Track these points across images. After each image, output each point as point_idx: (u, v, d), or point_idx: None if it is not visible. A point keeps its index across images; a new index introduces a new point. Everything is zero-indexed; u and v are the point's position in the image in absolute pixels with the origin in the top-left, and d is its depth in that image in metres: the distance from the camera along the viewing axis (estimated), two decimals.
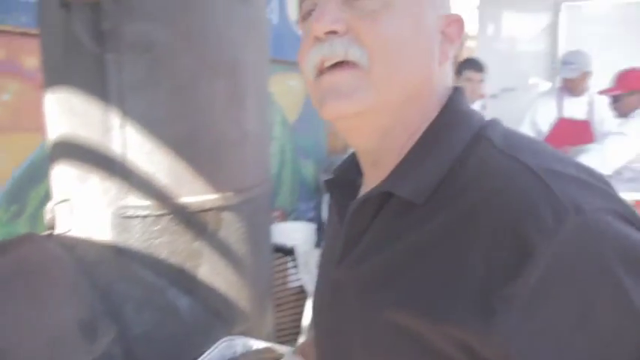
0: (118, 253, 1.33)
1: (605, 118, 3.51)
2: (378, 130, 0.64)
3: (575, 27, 5.53)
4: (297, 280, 1.98)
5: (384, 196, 0.63)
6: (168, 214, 1.35)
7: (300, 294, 2.01)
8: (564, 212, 0.49)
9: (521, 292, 0.48)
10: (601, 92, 3.22)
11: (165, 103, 1.28)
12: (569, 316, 0.48)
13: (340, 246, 0.69)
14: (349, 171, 0.77)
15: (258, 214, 1.58)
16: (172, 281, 1.40)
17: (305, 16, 0.66)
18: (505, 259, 0.50)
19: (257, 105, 1.51)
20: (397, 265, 0.60)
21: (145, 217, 1.33)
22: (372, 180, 0.68)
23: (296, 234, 3.84)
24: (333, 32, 0.60)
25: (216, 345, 1.37)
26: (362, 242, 0.66)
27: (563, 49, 5.09)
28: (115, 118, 1.26)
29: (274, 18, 3.76)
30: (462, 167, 0.58)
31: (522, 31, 5.89)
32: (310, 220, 4.40)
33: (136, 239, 1.34)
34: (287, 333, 2.09)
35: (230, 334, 1.46)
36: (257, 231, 1.59)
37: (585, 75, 3.52)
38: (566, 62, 3.57)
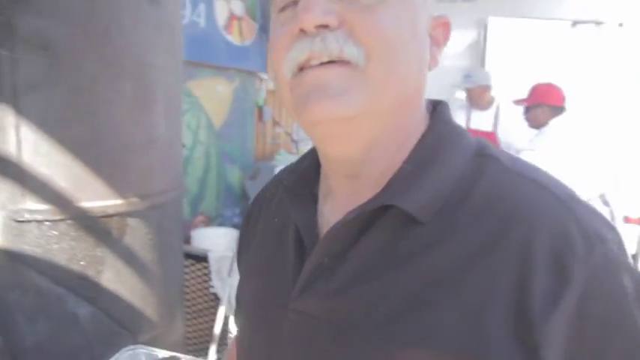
0: (10, 259, 1.26)
1: (510, 129, 3.75)
2: (365, 138, 0.55)
3: (501, 43, 5.81)
4: (211, 287, 1.95)
5: (375, 212, 0.54)
6: (68, 219, 1.30)
7: (213, 301, 1.98)
8: (593, 241, 0.48)
9: (561, 322, 0.46)
10: (515, 102, 3.40)
11: (64, 103, 1.23)
12: (593, 345, 0.47)
13: (306, 270, 0.57)
14: (308, 179, 0.66)
15: (166, 220, 1.55)
16: (72, 289, 1.34)
17: (283, 7, 0.55)
18: (544, 285, 0.47)
19: (167, 109, 1.48)
20: (412, 293, 0.51)
21: (41, 221, 1.27)
22: (345, 193, 0.59)
23: (219, 239, 3.77)
24: (325, 26, 0.51)
25: (117, 355, 1.33)
26: (344, 266, 0.55)
27: (489, 64, 5.33)
28: (8, 117, 1.20)
29: (201, 21, 3.71)
30: (474, 188, 0.53)
31: (450, 46, 6.11)
32: (235, 226, 4.35)
33: (31, 245, 1.27)
34: (199, 341, 2.05)
35: (135, 343, 1.42)
36: (166, 237, 1.55)
37: (484, 89, 3.90)
38: (465, 76, 4.00)
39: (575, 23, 4.14)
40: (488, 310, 0.47)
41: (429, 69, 0.59)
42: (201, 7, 3.69)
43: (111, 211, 1.35)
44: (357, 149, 0.56)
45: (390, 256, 0.53)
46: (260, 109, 4.54)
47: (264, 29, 4.32)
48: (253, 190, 4.24)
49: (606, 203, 3.12)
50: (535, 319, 0.46)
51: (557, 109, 3.07)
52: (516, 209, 0.51)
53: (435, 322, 0.49)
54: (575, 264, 0.47)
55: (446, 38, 0.61)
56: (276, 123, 4.77)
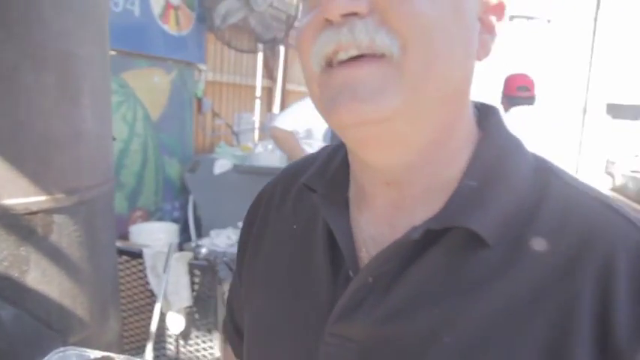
0: None
1: None
2: (404, 141, 0.49)
3: None
4: (146, 284, 1.91)
5: (439, 231, 0.49)
6: None
7: (150, 298, 1.94)
8: None
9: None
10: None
11: None
12: None
13: (350, 290, 0.51)
14: (339, 183, 0.59)
15: (97, 216, 1.50)
16: None
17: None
18: (631, 314, 0.43)
19: (94, 102, 1.43)
20: (482, 324, 0.46)
21: None
22: (386, 204, 0.54)
23: (158, 234, 3.70)
24: (353, 13, 0.45)
25: (46, 358, 1.28)
26: (398, 288, 0.50)
27: None
28: None
29: (135, 10, 3.59)
30: (541, 206, 0.49)
31: None
32: (175, 220, 4.27)
33: None
34: (138, 339, 2.01)
35: (65, 344, 1.37)
36: (96, 234, 1.51)
37: None
38: None
39: (511, 17, 4.30)
40: (567, 345, 0.44)
41: (479, 59, 0.51)
42: None
43: (35, 208, 1.30)
44: (396, 154, 0.50)
45: (454, 280, 0.48)
46: (199, 101, 4.46)
47: (201, 19, 4.23)
48: (193, 183, 4.17)
49: None
50: (622, 351, 0.42)
51: (512, 99, 3.15)
52: (592, 231, 0.47)
53: (510, 357, 0.45)
54: None
55: (501, 21, 0.53)
56: (215, 114, 4.70)
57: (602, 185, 4.04)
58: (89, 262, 1.47)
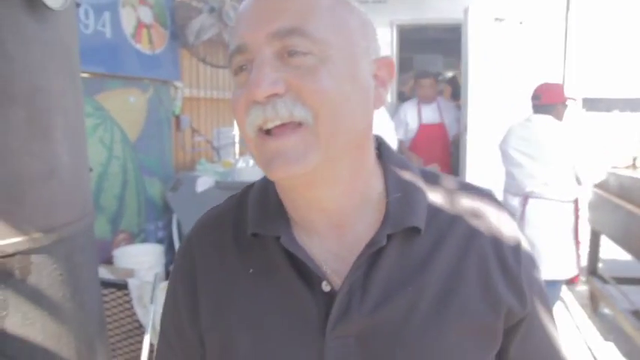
0: None
1: (453, 121, 4.87)
2: (328, 182, 0.64)
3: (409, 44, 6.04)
4: (133, 315, 1.86)
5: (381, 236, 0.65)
6: None
7: (138, 329, 1.89)
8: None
9: (523, 278, 0.70)
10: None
11: None
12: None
13: (340, 300, 0.64)
14: (286, 220, 0.70)
15: (77, 252, 1.45)
16: None
17: (236, 70, 0.63)
18: (510, 255, 0.70)
19: (68, 136, 1.38)
20: (440, 287, 0.66)
21: None
22: (326, 226, 0.68)
23: (143, 257, 3.64)
24: (274, 94, 0.58)
25: None
26: (374, 284, 0.65)
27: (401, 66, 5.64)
28: None
29: (107, 31, 3.54)
30: (443, 197, 0.72)
31: None
32: (160, 240, 4.20)
33: None
34: None
35: None
36: (78, 270, 1.46)
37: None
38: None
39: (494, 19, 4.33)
40: (488, 274, 0.68)
41: (376, 108, 0.67)
42: (106, 15, 3.52)
43: (10, 250, 1.25)
44: (322, 191, 0.65)
45: (410, 264, 0.66)
46: (177, 118, 4.40)
47: (175, 36, 4.19)
48: (175, 202, 4.11)
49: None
50: (516, 282, 0.70)
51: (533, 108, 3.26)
52: (472, 203, 0.72)
53: (464, 300, 0.66)
54: (521, 238, 0.74)
55: (391, 76, 0.69)
56: (195, 131, 4.64)
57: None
58: (72, 300, 1.42)
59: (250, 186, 0.79)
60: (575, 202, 3.13)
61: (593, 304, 4.18)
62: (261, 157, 0.62)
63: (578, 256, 3.20)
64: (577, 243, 3.21)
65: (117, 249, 3.67)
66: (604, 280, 4.05)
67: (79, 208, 1.45)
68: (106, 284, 1.88)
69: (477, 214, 0.71)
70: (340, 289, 0.65)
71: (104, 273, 3.01)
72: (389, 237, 0.65)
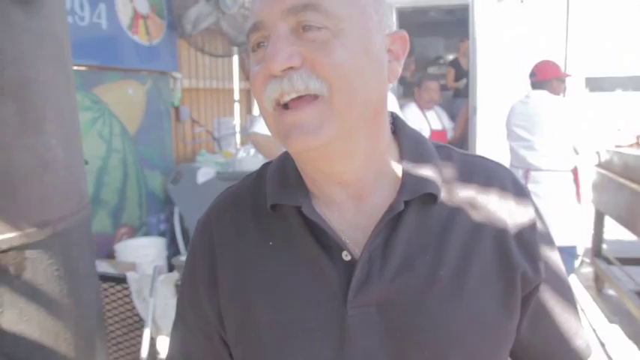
0: None
1: (449, 126, 4.61)
2: (344, 154, 0.65)
3: (409, 24, 5.96)
4: (133, 309, 1.84)
5: (399, 203, 0.66)
6: None
7: (138, 323, 1.87)
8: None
9: (538, 248, 0.71)
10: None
11: None
12: None
13: (360, 268, 0.65)
14: (305, 191, 0.71)
15: (73, 246, 1.42)
16: None
17: (254, 47, 0.65)
18: (525, 224, 0.71)
19: (61, 128, 1.35)
20: (459, 253, 0.67)
21: None
22: (343, 199, 0.69)
23: (145, 250, 3.63)
24: (290, 68, 0.60)
25: None
26: (394, 252, 0.66)
27: None
28: None
29: (103, 23, 3.50)
30: (453, 167, 0.73)
31: None
32: (162, 233, 4.19)
33: None
34: None
35: None
36: (75, 265, 1.43)
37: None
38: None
39: None
40: (504, 242, 0.69)
41: (390, 82, 0.68)
42: (102, 7, 3.47)
43: (4, 246, 1.22)
44: (339, 164, 0.66)
45: (428, 231, 0.67)
46: (177, 110, 4.37)
47: (172, 26, 4.14)
48: (176, 194, 4.09)
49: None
50: (532, 247, 0.71)
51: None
52: (487, 171, 0.74)
53: (482, 267, 0.67)
54: (534, 207, 0.74)
55: (404, 50, 0.70)
56: (195, 122, 4.61)
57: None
58: (69, 295, 1.40)
59: (268, 163, 0.80)
60: (574, 171, 3.31)
61: (597, 285, 4.15)
62: (279, 130, 0.64)
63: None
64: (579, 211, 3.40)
65: (118, 243, 3.66)
66: (608, 261, 4.01)
67: (75, 201, 1.43)
68: (105, 278, 1.86)
69: (491, 185, 0.72)
70: (360, 257, 0.66)
71: (106, 267, 3.00)
72: (406, 204, 0.66)
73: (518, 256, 0.69)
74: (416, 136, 0.75)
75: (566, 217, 3.25)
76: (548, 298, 0.74)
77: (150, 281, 1.69)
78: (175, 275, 1.73)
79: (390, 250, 0.66)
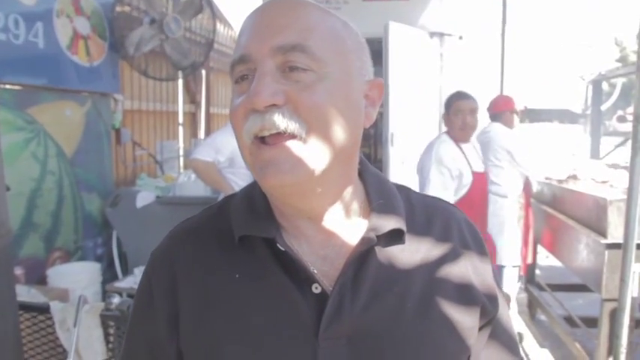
0: None
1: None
2: (317, 190, 0.66)
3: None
4: (56, 339, 1.78)
5: (369, 239, 0.68)
6: None
7: (62, 354, 1.81)
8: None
9: (491, 279, 0.77)
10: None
11: None
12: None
13: (332, 301, 0.66)
14: (266, 225, 0.71)
15: None
16: None
17: (237, 79, 0.66)
18: (480, 257, 0.77)
19: None
20: (425, 284, 0.70)
21: None
22: (313, 232, 0.71)
23: (80, 275, 3.51)
24: (273, 105, 0.61)
25: None
26: (363, 285, 0.68)
27: None
28: None
29: (39, 42, 3.41)
30: (413, 205, 0.77)
31: None
32: (99, 257, 4.07)
33: None
34: None
35: None
36: None
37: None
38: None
39: (432, 34, 4.44)
40: (466, 279, 0.74)
41: (365, 127, 0.71)
42: (39, 26, 3.39)
43: None
44: (310, 201, 0.67)
45: (395, 264, 0.70)
46: (117, 132, 4.29)
47: (114, 48, 4.09)
48: (115, 217, 3.99)
49: None
50: (489, 278, 0.77)
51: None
52: (445, 213, 0.79)
53: (446, 300, 0.70)
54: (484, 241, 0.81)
55: (380, 97, 0.73)
56: (136, 145, 4.54)
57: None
58: None
59: (231, 196, 0.79)
60: (523, 197, 3.63)
61: (531, 310, 4.32)
62: (254, 163, 0.65)
63: (525, 247, 3.70)
64: (525, 235, 3.71)
65: (51, 268, 3.52)
66: (541, 288, 4.19)
67: None
68: (27, 308, 1.79)
69: (445, 219, 0.78)
70: (333, 289, 0.66)
71: (35, 294, 2.88)
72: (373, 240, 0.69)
73: (479, 292, 0.74)
74: (379, 176, 0.78)
75: (511, 240, 3.58)
76: (500, 325, 0.79)
77: (74, 311, 1.65)
78: (100, 306, 1.69)
79: (360, 282, 0.67)
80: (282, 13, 0.65)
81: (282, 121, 0.61)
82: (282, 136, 0.62)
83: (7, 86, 3.27)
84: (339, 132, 0.64)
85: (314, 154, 0.63)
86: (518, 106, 3.84)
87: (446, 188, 2.91)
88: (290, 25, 0.64)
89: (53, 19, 3.53)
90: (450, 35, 4.53)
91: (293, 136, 0.62)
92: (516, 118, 3.77)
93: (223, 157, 2.98)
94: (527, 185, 3.74)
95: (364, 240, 0.68)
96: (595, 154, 5.93)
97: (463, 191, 2.98)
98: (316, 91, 0.62)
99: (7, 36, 3.15)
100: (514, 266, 3.60)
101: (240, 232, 0.70)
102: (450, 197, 2.90)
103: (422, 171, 3.06)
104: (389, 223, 0.70)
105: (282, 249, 0.67)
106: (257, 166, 0.64)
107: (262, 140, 0.63)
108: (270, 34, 0.63)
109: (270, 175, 0.62)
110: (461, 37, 4.55)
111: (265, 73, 0.62)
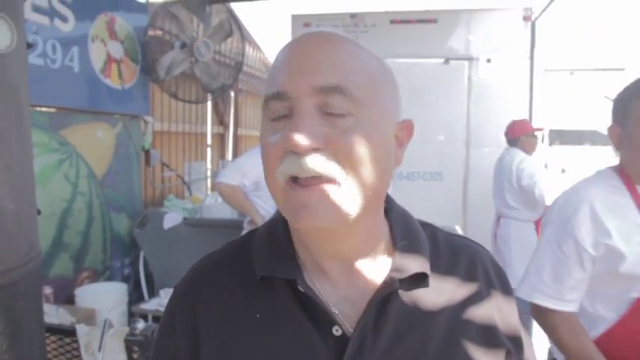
0: None
1: None
2: (346, 234, 0.66)
3: None
4: None
5: (392, 280, 0.68)
6: None
7: None
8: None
9: (516, 322, 0.76)
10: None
11: None
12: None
13: (354, 342, 0.65)
14: (288, 265, 0.70)
15: (19, 299, 1.39)
16: None
17: (275, 118, 0.63)
18: (506, 300, 0.75)
19: (11, 179, 1.34)
20: (447, 328, 0.69)
21: None
22: (337, 272, 0.69)
23: (107, 296, 3.54)
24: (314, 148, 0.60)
25: None
26: (385, 326, 0.66)
27: None
28: None
29: (75, 66, 3.51)
30: (439, 245, 0.75)
31: None
32: (126, 277, 4.11)
33: None
34: None
35: None
36: (19, 319, 1.39)
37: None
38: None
39: (447, 60, 4.41)
40: (491, 322, 0.72)
41: (394, 168, 0.70)
42: (74, 50, 3.50)
43: None
44: (340, 242, 0.67)
45: (417, 307, 0.69)
46: (147, 153, 4.37)
47: (145, 71, 4.18)
48: (142, 238, 4.04)
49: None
50: (500, 303, 0.75)
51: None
52: (471, 254, 0.76)
53: (469, 344, 0.69)
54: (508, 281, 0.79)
55: (409, 137, 0.72)
56: (165, 166, 4.60)
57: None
58: (9, 351, 1.36)
59: (254, 231, 0.78)
60: (537, 222, 3.56)
61: None
62: (287, 204, 0.63)
63: None
64: None
65: (79, 288, 3.57)
66: None
67: (23, 253, 1.40)
68: (53, 330, 1.81)
69: (471, 258, 0.76)
70: (354, 332, 0.65)
71: (63, 314, 2.92)
72: (398, 282, 0.68)
73: (503, 335, 0.72)
74: (404, 214, 0.77)
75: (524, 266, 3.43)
76: None
77: (99, 335, 1.66)
78: (125, 330, 1.70)
79: (382, 325, 0.66)
80: (320, 50, 0.63)
81: (321, 166, 0.60)
82: (319, 179, 0.61)
83: (43, 109, 3.36)
84: (374, 176, 0.63)
85: (349, 198, 0.62)
86: (539, 128, 3.89)
87: None
88: (329, 64, 0.62)
89: (88, 44, 3.64)
90: (477, 59, 4.50)
91: (329, 180, 0.61)
92: (535, 142, 3.76)
93: (249, 180, 2.99)
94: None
95: (387, 283, 0.67)
96: None
97: None
98: (355, 135, 0.61)
99: (45, 61, 3.25)
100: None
101: (262, 273, 0.69)
102: None
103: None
104: (413, 266, 0.69)
105: (303, 290, 0.66)
106: (290, 207, 0.63)
107: (294, 180, 0.62)
108: (311, 72, 0.61)
109: (304, 218, 0.61)
110: (489, 60, 4.52)
111: (305, 114, 0.60)
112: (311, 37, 0.65)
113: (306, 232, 0.66)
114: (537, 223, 3.55)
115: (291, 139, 0.59)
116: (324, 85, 0.60)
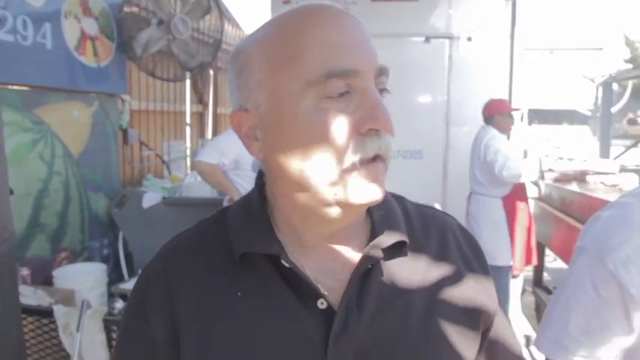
0: None
1: None
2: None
3: None
4: (60, 343, 1.77)
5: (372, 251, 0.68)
6: None
7: (64, 359, 1.80)
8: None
9: (490, 284, 0.78)
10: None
11: None
12: None
13: (340, 316, 0.65)
14: (269, 241, 0.68)
15: None
16: None
17: (337, 96, 0.61)
18: (478, 262, 0.78)
19: None
20: (432, 290, 0.71)
21: None
22: (319, 244, 0.69)
23: (86, 276, 3.51)
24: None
25: None
26: (369, 298, 0.67)
27: None
28: None
29: (47, 43, 3.42)
30: (409, 214, 0.77)
31: None
32: (105, 257, 4.07)
33: None
34: None
35: None
36: None
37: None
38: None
39: (428, 38, 4.39)
40: (467, 286, 0.74)
41: None
42: (47, 27, 3.40)
43: None
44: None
45: (398, 276, 0.70)
46: (124, 132, 4.30)
47: (121, 48, 4.09)
48: (121, 218, 4.00)
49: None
50: (486, 282, 0.78)
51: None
52: (440, 222, 0.79)
53: (449, 308, 0.71)
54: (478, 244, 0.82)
55: None
56: (143, 145, 4.54)
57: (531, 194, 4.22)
58: None
59: (225, 209, 0.76)
60: (505, 199, 3.66)
61: (538, 314, 4.28)
62: (357, 182, 0.62)
63: (512, 248, 3.66)
64: (512, 235, 3.69)
65: (57, 269, 3.53)
66: (548, 291, 4.15)
67: None
68: (31, 311, 1.79)
69: (441, 228, 0.78)
70: (339, 305, 0.66)
71: (41, 295, 2.89)
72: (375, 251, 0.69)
73: (480, 299, 0.74)
74: None
75: (498, 240, 3.64)
76: (500, 329, 0.79)
77: (77, 315, 1.64)
78: (103, 310, 1.68)
79: (365, 297, 0.67)
80: (362, 29, 0.65)
81: (392, 146, 0.64)
82: (379, 156, 0.63)
83: (15, 87, 3.27)
84: None
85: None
86: (516, 108, 3.95)
87: None
88: (372, 44, 0.65)
89: (61, 20, 3.54)
90: (458, 38, 4.49)
91: (383, 158, 0.63)
92: (510, 122, 3.79)
93: (228, 159, 2.97)
94: (519, 187, 3.69)
95: (368, 254, 0.67)
96: (605, 156, 5.87)
97: None
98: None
99: (16, 37, 3.16)
100: (507, 266, 3.66)
101: (242, 250, 0.67)
102: None
103: None
104: (392, 236, 0.69)
105: (287, 265, 0.65)
106: (360, 184, 0.62)
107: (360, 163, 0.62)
108: (369, 52, 0.63)
109: (374, 193, 0.62)
110: (470, 39, 4.51)
111: (377, 93, 0.62)
112: (343, 15, 0.64)
113: (357, 208, 0.65)
114: (505, 200, 3.66)
115: (385, 121, 0.61)
116: (380, 66, 0.63)
